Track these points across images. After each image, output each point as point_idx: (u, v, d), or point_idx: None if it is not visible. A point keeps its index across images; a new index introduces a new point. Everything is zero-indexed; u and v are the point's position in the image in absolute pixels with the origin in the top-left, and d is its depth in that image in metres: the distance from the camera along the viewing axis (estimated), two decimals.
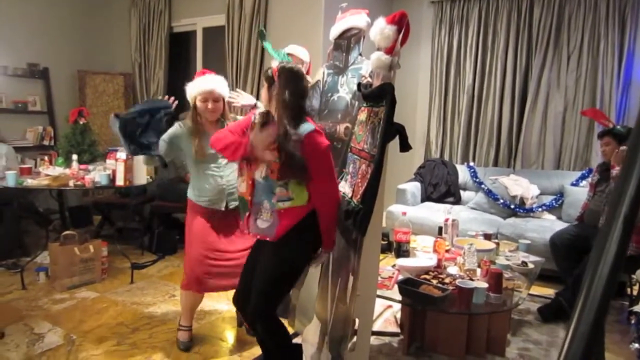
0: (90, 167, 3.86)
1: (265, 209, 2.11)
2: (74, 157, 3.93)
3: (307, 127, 1.99)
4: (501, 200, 4.48)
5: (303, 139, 1.96)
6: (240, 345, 2.80)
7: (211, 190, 2.60)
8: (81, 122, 4.42)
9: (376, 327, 2.93)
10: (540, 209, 4.42)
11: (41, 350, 2.62)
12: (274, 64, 2.06)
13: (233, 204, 2.62)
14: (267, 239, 2.10)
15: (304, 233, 2.06)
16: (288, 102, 2.00)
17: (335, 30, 2.67)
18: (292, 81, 2.02)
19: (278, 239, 2.06)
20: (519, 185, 4.51)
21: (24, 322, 2.97)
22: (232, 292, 3.43)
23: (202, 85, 2.51)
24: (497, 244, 3.17)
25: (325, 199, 2.06)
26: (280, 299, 2.15)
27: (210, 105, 2.51)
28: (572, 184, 4.38)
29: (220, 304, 3.31)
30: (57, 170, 3.71)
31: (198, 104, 2.53)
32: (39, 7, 5.24)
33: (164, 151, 2.63)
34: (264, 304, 2.11)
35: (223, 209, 2.61)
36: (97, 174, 3.61)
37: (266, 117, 2.12)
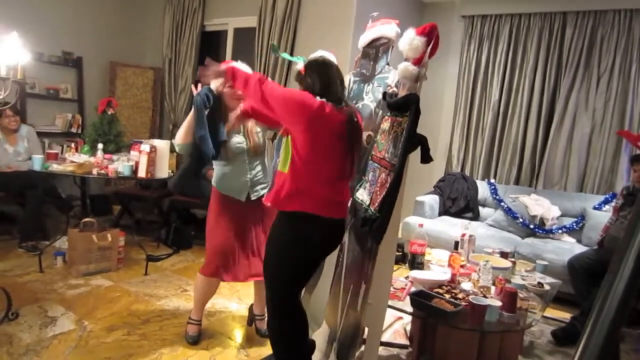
0: (115, 157, 3.93)
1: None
2: (100, 146, 4.01)
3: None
4: (520, 219, 4.41)
5: None
6: (248, 344, 2.80)
7: (235, 179, 2.64)
8: (109, 113, 4.51)
9: (385, 337, 2.91)
10: (560, 231, 4.34)
11: (53, 333, 2.67)
12: (300, 66, 2.10)
13: (256, 195, 2.66)
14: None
15: (295, 222, 1.99)
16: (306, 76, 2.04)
17: (364, 39, 2.68)
18: (317, 68, 2.04)
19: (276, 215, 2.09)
20: (540, 205, 4.44)
21: (39, 304, 3.03)
22: (242, 290, 3.44)
23: None
24: (514, 262, 3.13)
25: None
26: (280, 292, 2.05)
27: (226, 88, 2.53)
28: (595, 208, 4.29)
29: (231, 302, 3.33)
30: (82, 158, 3.79)
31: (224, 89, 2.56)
32: None
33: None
34: (267, 299, 2.10)
35: (243, 200, 2.64)
36: (120, 165, 3.69)
37: None
